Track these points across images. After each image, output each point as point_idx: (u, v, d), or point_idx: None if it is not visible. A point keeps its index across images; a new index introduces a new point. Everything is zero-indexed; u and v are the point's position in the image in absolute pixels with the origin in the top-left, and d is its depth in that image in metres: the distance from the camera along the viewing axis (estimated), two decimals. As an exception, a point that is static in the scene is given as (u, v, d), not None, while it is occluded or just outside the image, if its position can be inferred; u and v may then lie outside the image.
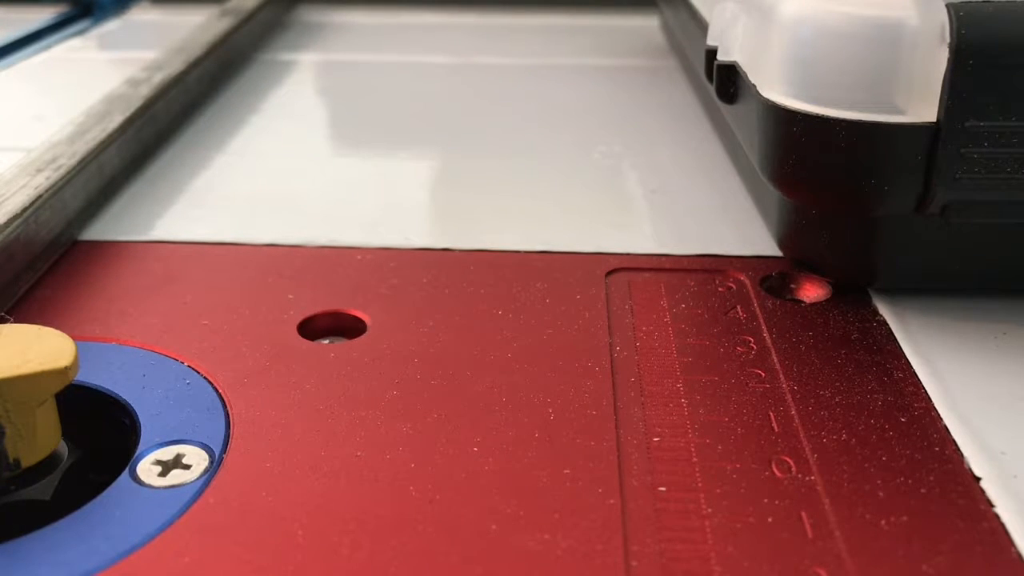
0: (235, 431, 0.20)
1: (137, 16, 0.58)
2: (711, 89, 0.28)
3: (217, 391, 0.21)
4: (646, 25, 0.54)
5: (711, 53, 0.28)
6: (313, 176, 0.34)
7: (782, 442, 0.20)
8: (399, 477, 0.19)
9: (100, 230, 0.29)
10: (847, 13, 0.22)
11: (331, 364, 0.22)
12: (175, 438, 0.20)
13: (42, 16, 0.55)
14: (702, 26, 0.31)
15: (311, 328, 0.24)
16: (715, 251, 0.28)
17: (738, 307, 0.25)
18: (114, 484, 0.18)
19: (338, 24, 0.57)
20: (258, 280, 0.26)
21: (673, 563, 0.17)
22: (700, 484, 0.18)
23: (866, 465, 0.19)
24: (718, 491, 0.18)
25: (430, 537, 0.17)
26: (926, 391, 0.21)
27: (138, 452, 0.19)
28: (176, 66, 0.39)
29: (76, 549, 0.17)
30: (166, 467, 0.19)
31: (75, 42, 0.52)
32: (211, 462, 0.19)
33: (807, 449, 0.19)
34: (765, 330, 0.24)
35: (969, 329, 0.24)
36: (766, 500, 0.18)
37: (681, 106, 0.41)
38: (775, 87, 0.23)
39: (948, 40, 0.21)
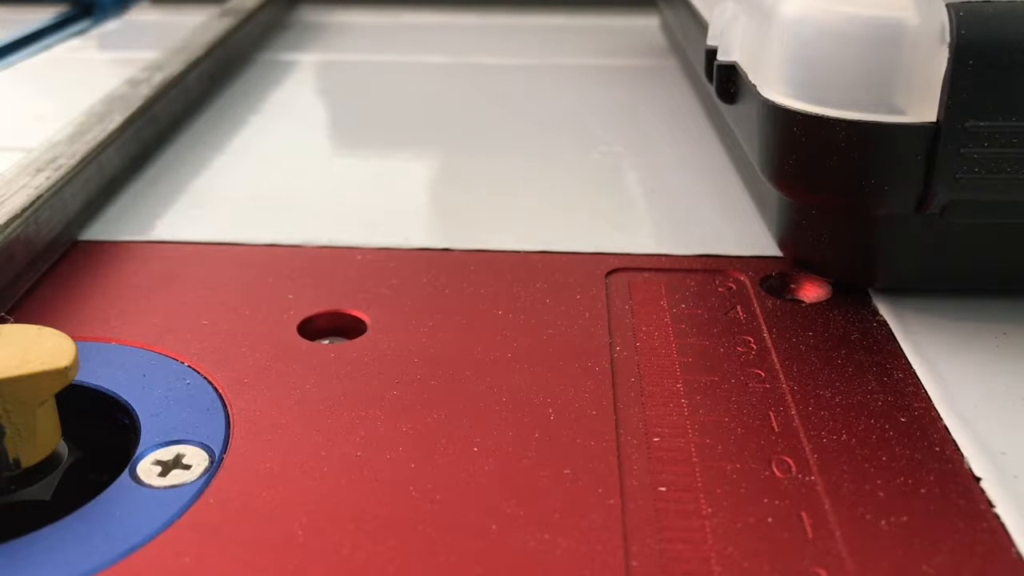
0: (235, 431, 0.20)
1: (137, 16, 0.58)
2: (711, 89, 0.28)
3: (217, 391, 0.21)
4: (646, 25, 0.54)
5: (711, 53, 0.28)
6: (313, 176, 0.34)
7: (782, 442, 0.20)
8: (399, 477, 0.19)
9: (100, 230, 0.29)
10: (847, 13, 0.22)
11: (331, 364, 0.22)
12: (175, 438, 0.20)
13: (42, 16, 0.55)
14: (702, 26, 0.31)
15: (311, 328, 0.24)
16: (715, 251, 0.28)
17: (738, 307, 0.25)
18: (114, 484, 0.18)
19: (338, 24, 0.57)
20: (258, 280, 0.26)
21: (673, 563, 0.17)
22: (700, 484, 0.18)
23: (866, 465, 0.19)
24: (718, 491, 0.18)
25: (430, 537, 0.17)
26: (926, 391, 0.21)
27: (138, 452, 0.19)
28: (176, 66, 0.39)
29: (76, 549, 0.17)
30: (166, 467, 0.19)
31: (75, 42, 0.52)
32: (211, 462, 0.19)
33: (807, 449, 0.19)
34: (765, 330, 0.24)
35: (969, 329, 0.24)
36: (766, 500, 0.18)
37: (681, 106, 0.41)
38: (775, 87, 0.23)
39: (948, 40, 0.21)
